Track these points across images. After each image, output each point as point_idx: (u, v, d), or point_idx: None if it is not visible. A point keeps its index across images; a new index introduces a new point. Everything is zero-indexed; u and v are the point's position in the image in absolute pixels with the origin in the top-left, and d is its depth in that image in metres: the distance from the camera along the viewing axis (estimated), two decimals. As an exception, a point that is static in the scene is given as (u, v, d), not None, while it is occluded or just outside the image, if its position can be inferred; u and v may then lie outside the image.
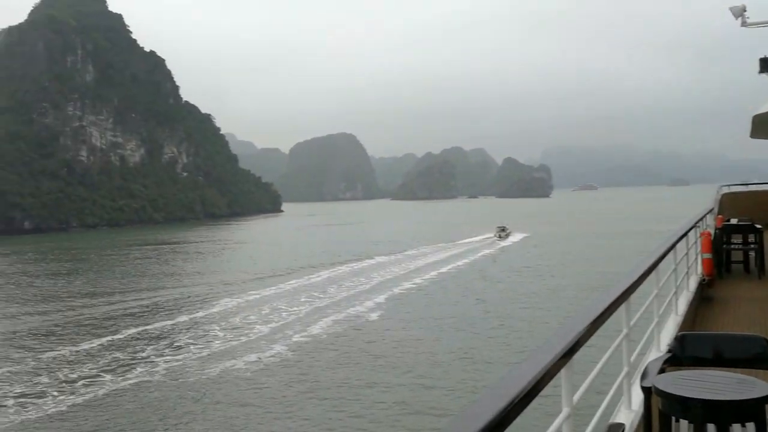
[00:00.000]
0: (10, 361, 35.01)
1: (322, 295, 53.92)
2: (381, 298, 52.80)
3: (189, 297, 54.89)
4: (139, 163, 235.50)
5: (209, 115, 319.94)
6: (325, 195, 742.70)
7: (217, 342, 38.19)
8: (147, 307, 50.61)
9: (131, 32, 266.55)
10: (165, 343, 38.39)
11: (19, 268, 79.90)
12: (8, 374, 32.53)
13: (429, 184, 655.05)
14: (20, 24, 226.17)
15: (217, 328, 42.07)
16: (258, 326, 42.31)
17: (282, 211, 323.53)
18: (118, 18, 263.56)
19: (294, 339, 39.03)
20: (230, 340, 38.66)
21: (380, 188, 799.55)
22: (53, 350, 36.92)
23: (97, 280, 66.70)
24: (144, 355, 35.73)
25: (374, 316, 46.19)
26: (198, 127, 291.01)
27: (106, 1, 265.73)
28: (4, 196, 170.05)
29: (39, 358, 35.27)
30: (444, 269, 72.20)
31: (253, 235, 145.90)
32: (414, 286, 60.02)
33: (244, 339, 38.99)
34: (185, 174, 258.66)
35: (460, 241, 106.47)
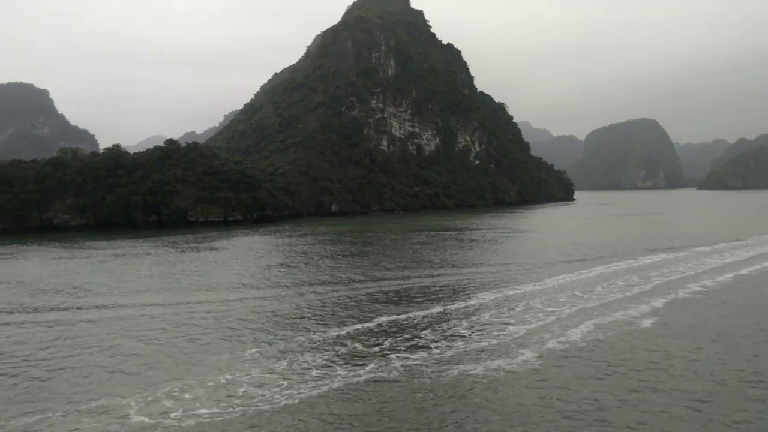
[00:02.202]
0: (263, 343, 36.09)
1: (587, 294, 48.54)
2: (659, 302, 45.92)
3: (448, 286, 53.37)
4: (434, 151, 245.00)
5: (503, 104, 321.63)
6: (623, 183, 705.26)
7: (460, 342, 35.74)
8: (406, 293, 50.16)
9: (430, 26, 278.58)
10: (408, 336, 37.09)
11: (310, 248, 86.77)
12: (256, 356, 33.54)
13: (741, 172, 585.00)
14: (334, 26, 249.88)
15: (466, 324, 39.63)
16: (511, 327, 38.94)
17: (574, 199, 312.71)
18: (419, 14, 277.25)
19: (548, 345, 35.03)
20: (477, 341, 35.94)
21: (685, 177, 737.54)
22: (302, 334, 37.76)
23: (371, 263, 68.94)
24: (383, 347, 34.71)
25: (647, 323, 39.98)
26: (491, 116, 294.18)
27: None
28: (317, 181, 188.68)
29: (286, 342, 36.16)
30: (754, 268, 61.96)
31: (536, 224, 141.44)
32: (706, 289, 51.22)
33: (492, 340, 35.97)
34: (477, 162, 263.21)
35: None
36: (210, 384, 29.26)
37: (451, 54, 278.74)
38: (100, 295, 51.25)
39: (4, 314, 44.77)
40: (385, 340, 36.09)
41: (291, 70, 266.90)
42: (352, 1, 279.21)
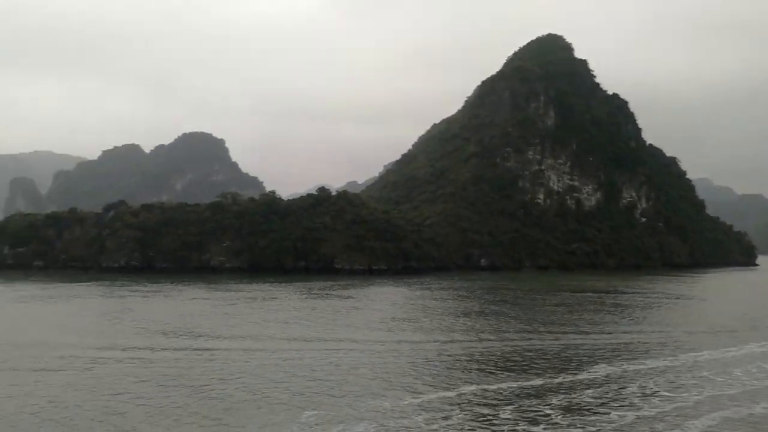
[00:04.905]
0: (324, 406, 33.36)
1: (723, 378, 39.95)
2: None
3: (560, 355, 46.94)
4: (594, 206, 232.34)
5: (675, 158, 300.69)
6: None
7: (542, 425, 30.30)
8: (507, 359, 44.71)
9: (595, 76, 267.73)
10: (487, 412, 32.18)
11: (439, 303, 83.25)
12: (310, 421, 30.71)
13: None
14: (492, 76, 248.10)
15: (557, 402, 33.88)
16: (614, 412, 32.78)
17: (757, 264, 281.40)
18: (583, 63, 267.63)
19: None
20: (564, 426, 30.32)
21: None
22: (370, 398, 34.20)
23: (490, 323, 63.83)
24: (450, 423, 30.19)
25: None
26: (661, 170, 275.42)
27: (572, 49, 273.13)
28: (465, 233, 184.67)
29: (350, 407, 32.88)
30: None
31: (698, 290, 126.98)
32: None
33: (590, 428, 30.19)
34: (644, 219, 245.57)
35: None
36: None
37: (616, 105, 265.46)
38: (195, 337, 51.22)
39: (105, 350, 45.65)
40: (456, 414, 31.46)
41: (448, 121, 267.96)
42: (513, 52, 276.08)
